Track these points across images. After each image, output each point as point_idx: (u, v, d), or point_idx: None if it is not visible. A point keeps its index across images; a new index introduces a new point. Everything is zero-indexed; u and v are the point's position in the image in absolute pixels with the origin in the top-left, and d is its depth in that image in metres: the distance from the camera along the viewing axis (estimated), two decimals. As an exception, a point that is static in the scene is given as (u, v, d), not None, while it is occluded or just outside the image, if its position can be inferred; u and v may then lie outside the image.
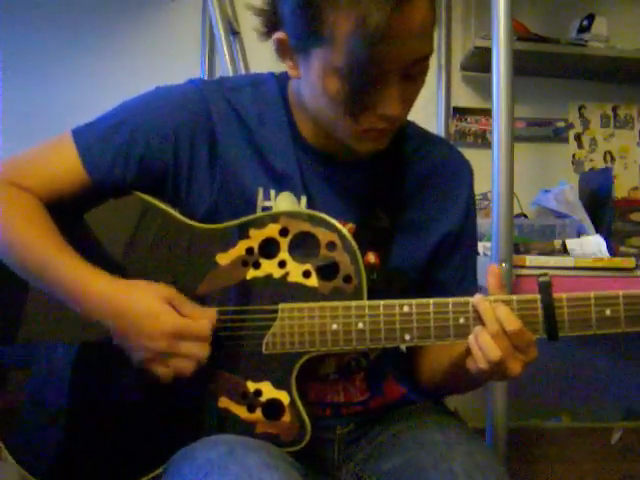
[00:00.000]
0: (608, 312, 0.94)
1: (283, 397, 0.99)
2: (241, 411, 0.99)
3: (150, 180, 1.05)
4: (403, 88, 0.94)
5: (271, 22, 1.00)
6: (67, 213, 1.05)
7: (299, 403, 0.98)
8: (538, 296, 0.94)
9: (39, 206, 1.03)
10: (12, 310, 1.05)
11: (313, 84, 0.96)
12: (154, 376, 0.96)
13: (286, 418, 0.98)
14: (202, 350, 0.95)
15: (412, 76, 0.94)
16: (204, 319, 0.96)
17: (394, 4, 0.85)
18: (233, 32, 2.12)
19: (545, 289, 0.94)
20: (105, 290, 0.96)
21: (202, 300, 1.01)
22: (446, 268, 1.14)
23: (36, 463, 1.03)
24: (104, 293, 0.96)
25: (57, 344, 1.02)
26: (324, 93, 0.95)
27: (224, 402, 1.00)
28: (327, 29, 0.89)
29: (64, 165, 1.04)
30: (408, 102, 0.98)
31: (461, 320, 0.95)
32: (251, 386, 0.99)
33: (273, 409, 0.99)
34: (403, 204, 1.10)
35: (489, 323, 0.92)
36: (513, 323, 0.91)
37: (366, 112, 0.95)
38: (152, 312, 0.94)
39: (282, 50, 0.99)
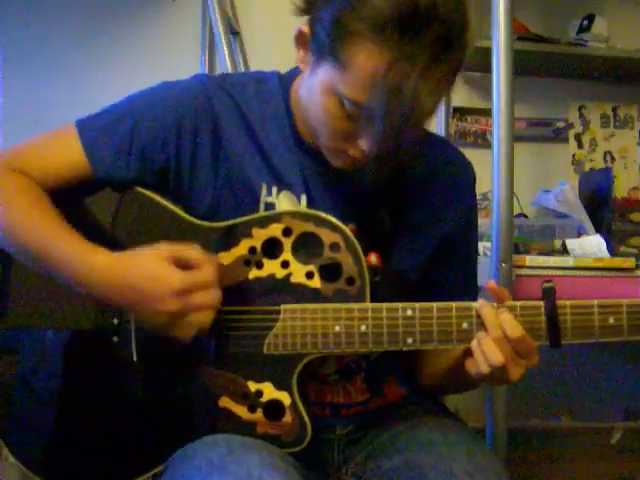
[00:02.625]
0: (611, 320, 0.94)
1: (284, 398, 0.99)
2: (242, 411, 0.99)
3: (152, 174, 1.05)
4: None
5: (307, 4, 0.96)
6: (68, 205, 1.04)
7: (300, 404, 0.98)
8: (542, 303, 0.94)
9: (40, 190, 1.02)
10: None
11: (311, 89, 0.97)
12: (176, 339, 0.93)
13: (287, 419, 0.98)
14: (213, 295, 0.93)
15: None
16: (207, 266, 0.93)
17: (429, 83, 0.86)
18: (233, 32, 2.12)
19: (549, 296, 0.94)
20: (106, 262, 0.94)
21: None
22: (448, 269, 1.14)
23: (36, 461, 1.03)
24: (106, 265, 0.94)
25: (58, 342, 1.02)
26: (317, 104, 0.96)
27: (225, 402, 1.00)
28: (350, 57, 0.88)
29: (67, 157, 1.04)
30: None
31: (464, 325, 0.95)
32: (252, 386, 0.99)
33: (274, 410, 0.99)
34: (404, 205, 1.10)
35: (492, 328, 0.92)
36: (515, 329, 0.92)
37: (345, 139, 0.96)
38: (155, 275, 0.91)
39: (300, 42, 0.99)
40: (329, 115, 0.94)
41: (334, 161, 1.02)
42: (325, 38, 0.90)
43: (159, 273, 0.91)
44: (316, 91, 0.95)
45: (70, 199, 1.05)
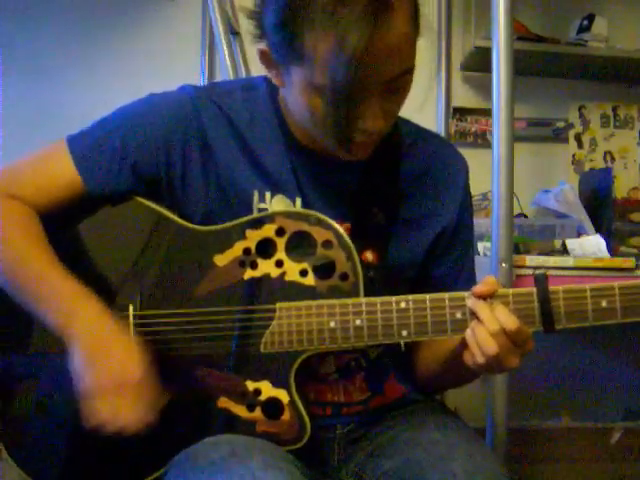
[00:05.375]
0: (604, 303, 0.94)
1: (282, 396, 0.99)
2: (241, 410, 0.99)
3: (145, 186, 1.06)
4: (385, 102, 0.94)
5: (258, 30, 0.99)
6: (63, 219, 1.05)
7: (298, 402, 0.99)
8: (534, 289, 0.94)
9: (33, 218, 1.03)
10: (21, 321, 1.04)
11: (295, 98, 0.97)
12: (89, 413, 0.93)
13: (286, 417, 0.98)
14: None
15: (394, 89, 0.94)
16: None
17: (372, 23, 0.84)
18: (233, 32, 2.11)
19: (541, 282, 0.94)
20: (84, 329, 0.95)
21: (200, 301, 1.01)
22: (443, 264, 1.14)
23: (37, 465, 1.03)
24: (85, 329, 0.95)
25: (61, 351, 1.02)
26: (306, 108, 0.95)
27: (224, 402, 1.00)
28: (306, 49, 0.88)
29: (60, 175, 1.04)
30: (391, 114, 0.97)
31: (458, 315, 0.96)
32: (250, 385, 0.99)
33: (273, 408, 0.99)
34: (399, 201, 1.10)
35: (488, 324, 0.92)
36: (512, 322, 0.91)
37: (347, 128, 0.94)
38: (119, 380, 0.92)
39: (266, 61, 0.99)
40: (319, 112, 0.94)
41: (348, 156, 1.00)
42: (282, 44, 0.91)
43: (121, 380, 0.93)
44: (299, 99, 0.95)
45: (67, 214, 1.06)
